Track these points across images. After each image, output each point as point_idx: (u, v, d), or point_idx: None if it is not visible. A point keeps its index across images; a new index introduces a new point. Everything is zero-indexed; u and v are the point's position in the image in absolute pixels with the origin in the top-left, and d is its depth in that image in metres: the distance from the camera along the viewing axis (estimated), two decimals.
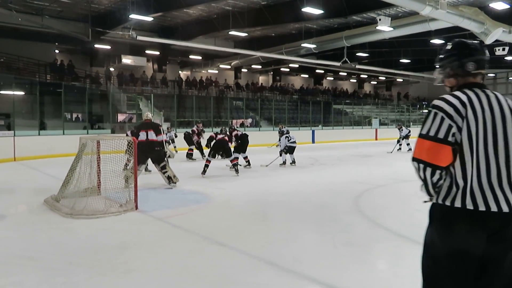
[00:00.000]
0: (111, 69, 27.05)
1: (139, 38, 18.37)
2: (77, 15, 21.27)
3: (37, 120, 15.22)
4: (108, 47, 24.04)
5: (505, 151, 1.81)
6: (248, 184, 8.70)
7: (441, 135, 1.82)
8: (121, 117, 22.47)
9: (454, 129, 1.81)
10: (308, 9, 16.48)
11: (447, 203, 1.82)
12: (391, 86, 47.79)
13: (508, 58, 29.43)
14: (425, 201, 2.01)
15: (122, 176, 6.91)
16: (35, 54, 20.92)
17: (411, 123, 33.23)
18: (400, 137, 17.74)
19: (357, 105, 33.62)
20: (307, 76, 40.17)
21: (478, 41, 2.08)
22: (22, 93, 17.31)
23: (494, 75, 41.65)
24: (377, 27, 17.11)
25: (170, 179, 7.75)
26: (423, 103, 41.82)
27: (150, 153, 7.56)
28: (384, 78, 43.42)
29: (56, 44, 24.00)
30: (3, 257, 4.07)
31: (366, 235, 4.92)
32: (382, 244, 4.55)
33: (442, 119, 1.85)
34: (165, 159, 8.11)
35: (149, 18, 18.61)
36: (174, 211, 6.04)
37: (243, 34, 23.62)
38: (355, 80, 45.32)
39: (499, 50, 21.87)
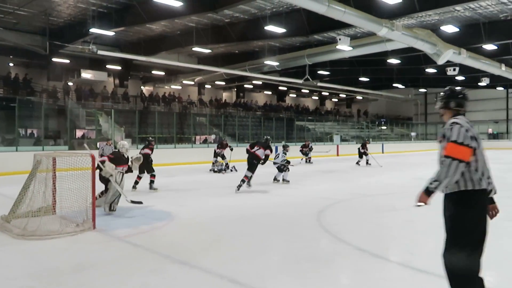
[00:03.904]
0: (70, 83, 26.27)
1: (100, 52, 18.07)
2: (34, 27, 20.65)
3: None
4: (67, 61, 23.43)
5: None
6: (212, 201, 8.61)
7: (467, 141, 2.72)
8: (79, 133, 21.75)
9: (472, 138, 2.75)
10: (271, 28, 16.84)
11: (475, 187, 2.76)
12: (351, 104, 49.27)
13: (459, 78, 31.18)
14: (418, 205, 2.82)
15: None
16: None
17: (371, 139, 34.26)
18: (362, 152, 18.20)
19: (319, 121, 34.34)
20: (270, 93, 40.71)
21: (461, 88, 3.18)
22: None
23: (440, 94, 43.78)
24: (337, 46, 17.71)
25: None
26: (382, 120, 43.33)
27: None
28: (344, 95, 44.78)
29: (11, 57, 23.12)
30: None
31: (328, 250, 4.97)
32: (343, 259, 4.60)
33: (466, 131, 2.76)
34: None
35: (110, 33, 18.35)
36: (135, 230, 5.87)
37: (207, 51, 23.73)
38: (317, 97, 46.40)
39: (450, 70, 23.13)
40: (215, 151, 15.15)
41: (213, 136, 25.24)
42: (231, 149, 15.06)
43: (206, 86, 34.45)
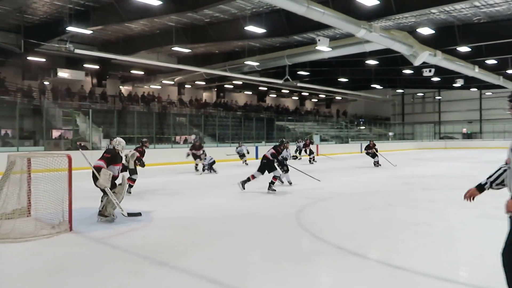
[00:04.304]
0: (46, 82, 25.67)
1: (77, 51, 17.74)
2: (9, 25, 20.08)
3: None
4: (43, 59, 22.90)
5: None
6: (192, 201, 8.56)
7: None
8: (56, 134, 21.27)
9: None
10: (251, 28, 16.86)
11: None
12: (330, 104, 49.80)
13: (434, 79, 31.91)
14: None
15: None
16: None
17: (349, 139, 34.70)
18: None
19: (299, 121, 34.56)
20: (250, 93, 40.75)
21: None
22: None
23: (422, 94, 44.90)
24: (316, 47, 17.90)
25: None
26: (360, 120, 43.93)
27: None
28: (324, 96, 45.22)
29: None
30: None
31: (308, 248, 5.01)
32: (323, 257, 4.65)
33: None
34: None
35: (87, 31, 18.02)
36: (113, 231, 5.78)
37: (187, 50, 23.59)
38: (297, 98, 46.69)
39: (426, 71, 23.65)
40: (192, 154, 14.68)
41: (193, 136, 25.10)
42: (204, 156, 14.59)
43: (186, 86, 34.23)
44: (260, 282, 3.81)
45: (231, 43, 23.75)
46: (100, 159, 6.41)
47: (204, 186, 11.05)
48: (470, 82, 30.70)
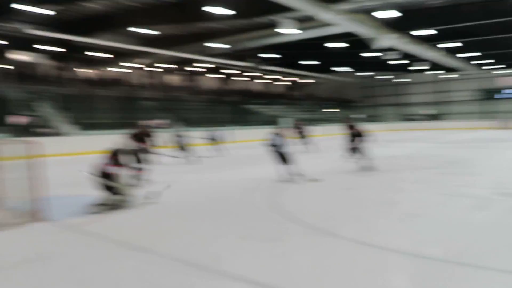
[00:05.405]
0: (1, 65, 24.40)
1: (30, 31, 16.61)
2: None
3: None
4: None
5: None
6: (174, 185, 8.49)
7: None
8: (15, 119, 20.33)
9: None
10: (216, 9, 16.59)
11: None
12: (298, 87, 50.15)
13: (397, 62, 32.58)
14: None
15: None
16: None
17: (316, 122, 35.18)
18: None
19: (267, 105, 34.67)
20: (218, 76, 40.38)
21: None
22: None
23: (387, 77, 45.99)
24: (281, 30, 17.93)
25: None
26: (327, 103, 44.58)
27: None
28: (291, 79, 45.46)
29: None
30: None
31: (282, 229, 5.16)
32: (297, 237, 4.80)
33: None
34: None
35: (43, 11, 16.89)
36: (89, 218, 5.72)
37: (153, 32, 23.02)
38: (265, 81, 46.70)
39: (388, 54, 24.21)
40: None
41: (165, 121, 24.68)
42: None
43: (154, 69, 33.50)
44: (236, 262, 3.93)
45: (197, 24, 23.35)
46: (108, 164, 6.25)
47: (182, 171, 11.01)
48: (432, 65, 31.63)
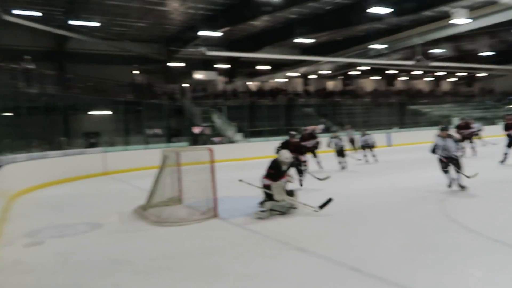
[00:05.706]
0: (184, 85, 28.44)
1: (209, 53, 19.13)
2: (153, 36, 22.78)
3: (122, 137, 16.48)
4: (182, 64, 25.40)
5: None
6: (335, 193, 8.52)
7: None
8: (196, 130, 23.45)
9: None
10: (375, 9, 16.06)
11: None
12: (472, 82, 44.55)
13: None
14: None
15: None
16: (117, 76, 22.65)
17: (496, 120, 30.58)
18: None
19: (434, 104, 31.80)
20: (378, 78, 38.92)
21: None
22: (109, 112, 18.90)
23: None
24: (451, 21, 16.20)
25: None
26: (510, 97, 38.32)
27: None
28: (463, 74, 40.67)
29: (135, 65, 25.88)
30: (103, 261, 4.47)
31: (453, 240, 4.63)
32: (470, 249, 4.26)
33: None
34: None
35: (218, 34, 19.37)
36: (252, 218, 6.14)
37: (310, 41, 23.60)
38: (431, 78, 42.97)
39: None
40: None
41: (321, 126, 25.05)
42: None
43: (311, 76, 34.33)
44: (403, 272, 3.68)
45: (354, 28, 22.97)
46: (265, 176, 6.48)
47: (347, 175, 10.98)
48: None
